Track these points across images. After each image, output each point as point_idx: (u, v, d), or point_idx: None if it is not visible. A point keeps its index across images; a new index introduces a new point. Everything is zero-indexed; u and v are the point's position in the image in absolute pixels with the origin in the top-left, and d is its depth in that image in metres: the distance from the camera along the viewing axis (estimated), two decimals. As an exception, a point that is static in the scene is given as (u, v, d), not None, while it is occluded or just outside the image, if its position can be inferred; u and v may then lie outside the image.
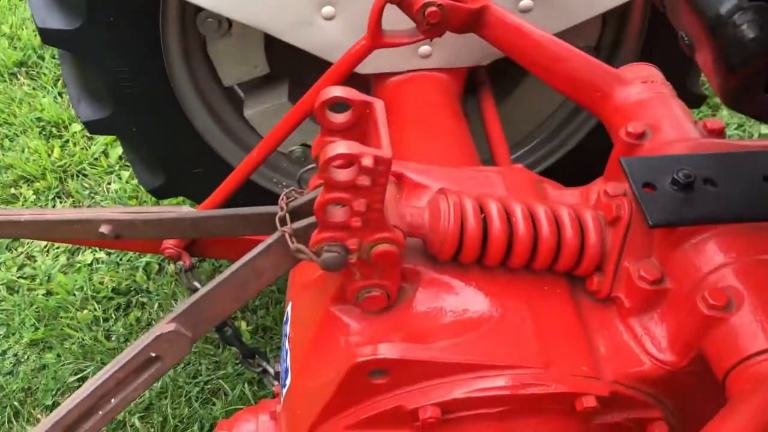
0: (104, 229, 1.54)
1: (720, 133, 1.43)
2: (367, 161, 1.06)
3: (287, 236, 1.23)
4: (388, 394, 1.26)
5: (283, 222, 1.25)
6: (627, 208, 1.28)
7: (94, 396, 1.24)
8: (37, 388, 2.61)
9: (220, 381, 2.65)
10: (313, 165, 1.31)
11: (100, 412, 1.26)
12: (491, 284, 1.33)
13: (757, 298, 1.17)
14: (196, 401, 2.60)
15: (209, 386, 2.65)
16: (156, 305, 2.86)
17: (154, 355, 1.26)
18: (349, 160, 1.07)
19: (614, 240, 1.30)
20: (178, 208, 1.41)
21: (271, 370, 1.98)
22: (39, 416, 2.55)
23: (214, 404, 2.59)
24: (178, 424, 2.54)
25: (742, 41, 0.97)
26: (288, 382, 1.48)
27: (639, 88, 1.54)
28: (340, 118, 1.21)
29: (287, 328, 1.56)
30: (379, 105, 1.17)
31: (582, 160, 2.60)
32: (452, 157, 1.89)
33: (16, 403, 2.55)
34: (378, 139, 1.13)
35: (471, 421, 1.27)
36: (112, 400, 1.26)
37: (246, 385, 2.62)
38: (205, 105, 2.45)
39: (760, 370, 1.11)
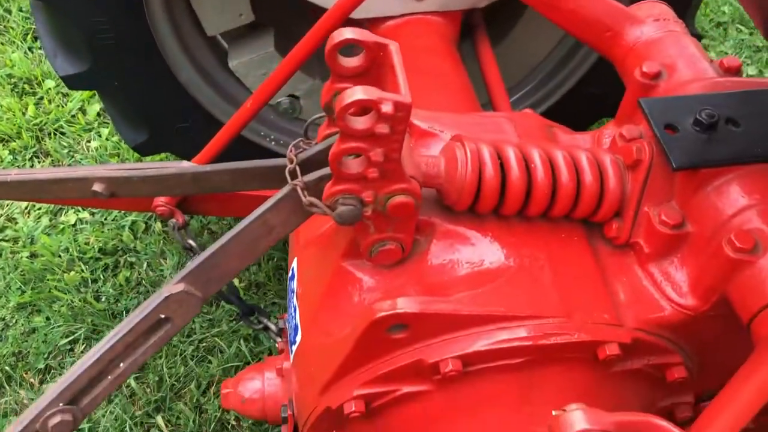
0: (98, 187, 1.47)
1: (737, 71, 1.39)
2: (386, 107, 1.00)
3: (299, 190, 1.17)
4: (407, 348, 1.23)
5: (293, 175, 1.20)
6: (647, 150, 1.24)
7: (102, 361, 1.19)
8: (28, 352, 2.56)
9: (216, 339, 2.61)
10: (321, 114, 1.24)
11: (109, 377, 1.21)
12: (508, 234, 1.29)
13: (785, 240, 1.15)
14: (192, 360, 2.56)
15: (204, 344, 2.61)
16: (145, 265, 2.80)
17: (163, 316, 1.21)
18: (367, 107, 1.01)
19: (634, 184, 1.27)
20: (178, 163, 1.35)
21: (273, 327, 1.94)
22: (32, 380, 2.50)
23: (210, 362, 2.56)
24: (175, 383, 2.51)
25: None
26: (298, 338, 1.45)
27: (651, 27, 1.48)
28: (352, 62, 1.14)
29: (294, 284, 1.52)
30: (394, 47, 1.11)
31: (579, 103, 2.56)
32: (452, 102, 1.83)
33: (7, 367, 2.50)
34: (395, 83, 1.07)
35: (491, 373, 1.24)
36: (121, 365, 1.21)
37: (242, 341, 2.59)
38: (188, 56, 2.35)
39: (789, 312, 1.10)
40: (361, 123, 1.03)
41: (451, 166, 1.23)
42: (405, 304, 1.18)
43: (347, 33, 1.09)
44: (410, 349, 1.23)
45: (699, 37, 2.59)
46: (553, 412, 0.89)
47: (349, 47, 1.15)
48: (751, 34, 3.61)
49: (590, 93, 2.59)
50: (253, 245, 1.22)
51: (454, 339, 1.21)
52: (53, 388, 1.20)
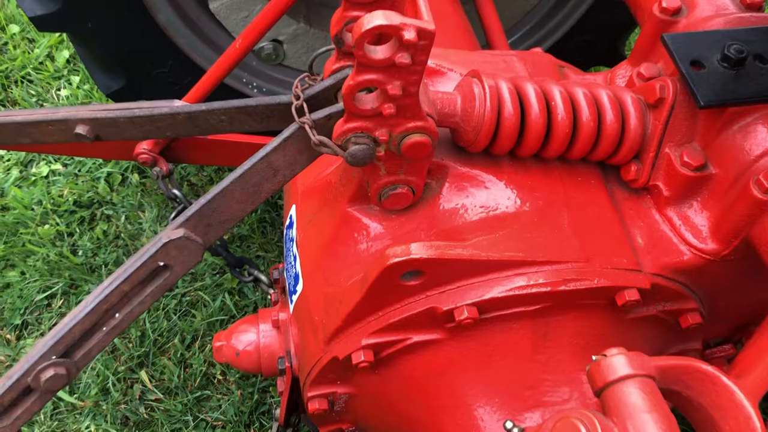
0: (81, 129, 1.37)
1: (759, 7, 1.33)
2: (409, 34, 0.92)
3: (307, 128, 1.09)
4: (420, 296, 1.18)
5: (300, 112, 1.11)
6: (671, 88, 1.19)
7: (97, 312, 1.11)
8: (3, 307, 2.46)
9: (199, 292, 2.54)
10: (328, 47, 1.15)
11: (104, 329, 1.14)
12: (524, 176, 1.23)
13: (814, 181, 1.10)
14: (175, 314, 2.49)
15: (187, 298, 2.54)
16: (123, 218, 2.69)
17: (162, 264, 1.13)
18: (388, 33, 0.93)
19: (655, 124, 1.21)
20: (170, 102, 1.25)
21: (265, 279, 1.87)
22: (8, 336, 2.41)
23: (194, 316, 2.49)
24: (158, 338, 2.44)
25: None
26: (299, 288, 1.39)
27: (668, -39, 1.41)
28: (366, -13, 1.06)
29: (293, 233, 1.45)
30: (414, -29, 1.03)
31: (571, 50, 2.50)
32: (454, 42, 1.75)
33: (-19, 324, 2.40)
34: (416, 8, 0.98)
35: (506, 321, 1.20)
36: (117, 315, 1.14)
37: (227, 295, 2.52)
38: (167, -3, 2.23)
39: (820, 254, 1.06)
40: (380, 52, 0.95)
41: (468, 104, 1.16)
42: (420, 250, 1.12)
43: (363, -45, 1.01)
44: (423, 297, 1.18)
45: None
46: (594, 357, 0.84)
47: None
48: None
49: (582, 40, 2.54)
50: (257, 189, 1.14)
51: (470, 285, 1.16)
52: (45, 341, 1.12)
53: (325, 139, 1.08)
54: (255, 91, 2.49)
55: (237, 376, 2.39)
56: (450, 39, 1.73)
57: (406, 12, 1.03)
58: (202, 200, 1.13)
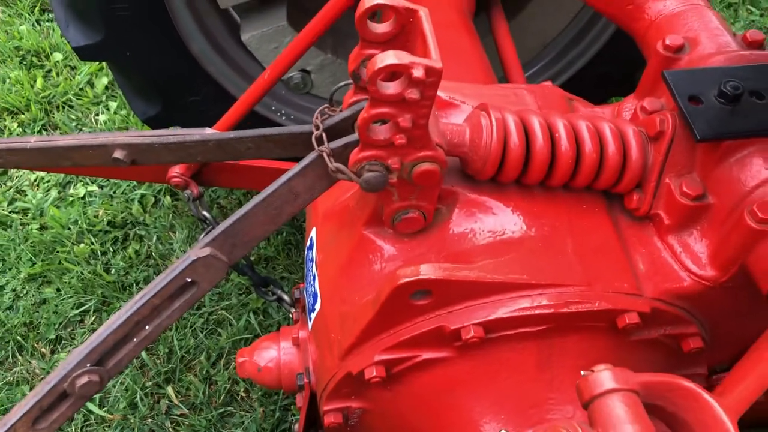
0: (119, 154, 1.48)
1: (760, 45, 1.39)
2: (418, 72, 1.00)
3: (325, 156, 1.18)
4: (429, 315, 1.25)
5: (320, 141, 1.20)
6: (671, 122, 1.25)
7: (129, 323, 1.20)
8: (39, 322, 2.57)
9: (224, 312, 2.63)
10: (347, 81, 1.24)
11: (135, 340, 1.23)
12: (530, 203, 1.30)
13: (807, 212, 1.16)
14: (202, 332, 2.58)
15: (214, 317, 2.63)
16: (154, 238, 2.80)
17: (189, 280, 1.22)
18: (398, 72, 1.02)
19: (656, 156, 1.28)
20: (202, 130, 1.35)
21: (287, 298, 1.95)
22: (43, 350, 2.51)
23: (219, 335, 2.58)
24: (185, 354, 2.53)
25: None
26: (317, 306, 1.46)
27: (673, 1, 1.48)
28: (381, 27, 1.15)
29: (313, 254, 1.53)
30: (424, 12, 1.11)
31: (590, 81, 2.56)
32: (470, 76, 1.83)
33: (18, 337, 2.51)
34: (425, 48, 1.07)
35: (512, 340, 1.26)
36: (147, 327, 1.23)
37: (251, 315, 2.61)
38: (201, 29, 2.35)
39: (811, 282, 1.11)
40: (391, 88, 1.03)
41: (476, 135, 1.24)
42: (428, 271, 1.19)
43: (377, -2, 1.10)
44: (432, 316, 1.24)
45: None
46: (582, 372, 0.91)
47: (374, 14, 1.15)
48: (761, 15, 3.61)
49: (602, 72, 2.60)
50: (278, 211, 1.23)
51: (476, 306, 1.23)
52: (80, 349, 1.21)
53: (341, 166, 1.17)
54: (284, 118, 2.59)
55: (260, 393, 2.47)
56: (467, 72, 1.81)
57: (417, 51, 1.12)
58: (228, 221, 1.22)
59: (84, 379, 1.21)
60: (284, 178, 1.20)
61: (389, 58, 1.00)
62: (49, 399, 1.21)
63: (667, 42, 1.38)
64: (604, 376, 0.88)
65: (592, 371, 0.89)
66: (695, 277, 1.28)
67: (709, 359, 1.47)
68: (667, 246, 1.31)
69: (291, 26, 2.42)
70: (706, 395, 0.92)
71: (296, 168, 1.20)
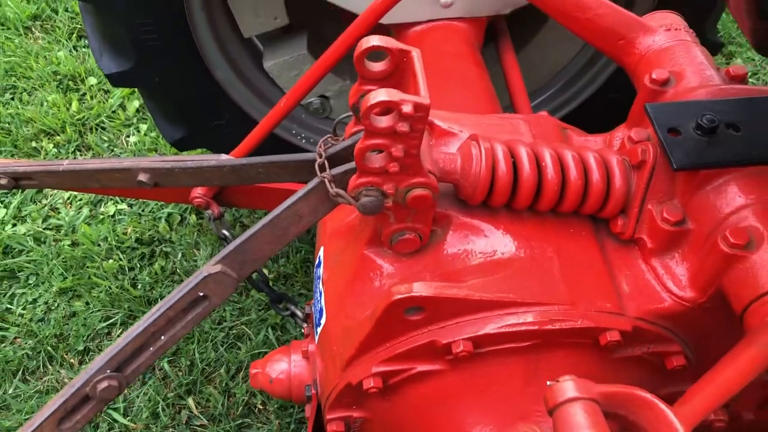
0: (143, 177, 1.60)
1: (743, 79, 1.47)
2: (407, 108, 1.11)
3: (327, 182, 1.28)
4: (422, 329, 1.34)
5: (322, 168, 1.31)
6: (652, 152, 1.33)
7: (146, 333, 1.32)
8: (69, 334, 2.71)
9: (244, 327, 2.74)
10: (348, 113, 1.35)
11: (151, 348, 1.34)
12: (519, 227, 1.39)
13: (777, 237, 1.23)
14: (222, 346, 2.69)
15: (234, 331, 2.74)
16: (179, 255, 2.93)
17: (201, 294, 1.33)
18: (389, 107, 1.12)
19: (639, 183, 1.36)
20: (217, 157, 1.47)
21: (299, 313, 2.05)
22: (72, 361, 2.64)
23: (239, 348, 2.68)
24: (205, 367, 2.64)
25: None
26: (323, 321, 1.56)
27: (662, 36, 1.57)
28: (377, 66, 1.25)
29: (320, 271, 1.63)
30: (416, 53, 1.22)
31: (598, 109, 2.64)
32: (475, 104, 1.93)
33: (49, 348, 2.65)
34: (416, 86, 1.17)
35: (500, 355, 1.34)
36: (162, 337, 1.33)
37: (270, 330, 2.71)
38: (225, 57, 2.48)
39: (778, 304, 1.18)
40: (383, 122, 1.14)
41: (466, 163, 1.33)
42: (420, 288, 1.28)
43: (374, 40, 1.20)
44: (425, 331, 1.33)
45: (720, 45, 2.66)
46: (548, 383, 0.99)
47: (375, 53, 1.26)
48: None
49: (611, 98, 2.67)
50: (284, 232, 1.33)
51: (466, 322, 1.32)
52: (101, 357, 1.32)
53: (341, 191, 1.27)
54: (304, 141, 2.71)
55: (276, 406, 2.57)
56: (472, 100, 1.91)
57: (409, 88, 1.22)
58: (238, 241, 1.33)
59: (104, 384, 1.33)
60: (289, 201, 1.31)
61: (381, 95, 1.10)
62: (73, 401, 1.32)
63: (654, 76, 1.47)
64: (567, 386, 0.96)
65: (557, 381, 0.98)
66: (676, 298, 1.35)
67: (696, 376, 1.53)
68: (650, 268, 1.39)
69: (311, 54, 2.54)
70: (661, 405, 1.00)
71: (300, 192, 1.31)
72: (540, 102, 2.71)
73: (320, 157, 1.32)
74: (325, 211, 1.34)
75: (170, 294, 1.32)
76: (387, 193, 1.26)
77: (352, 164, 1.28)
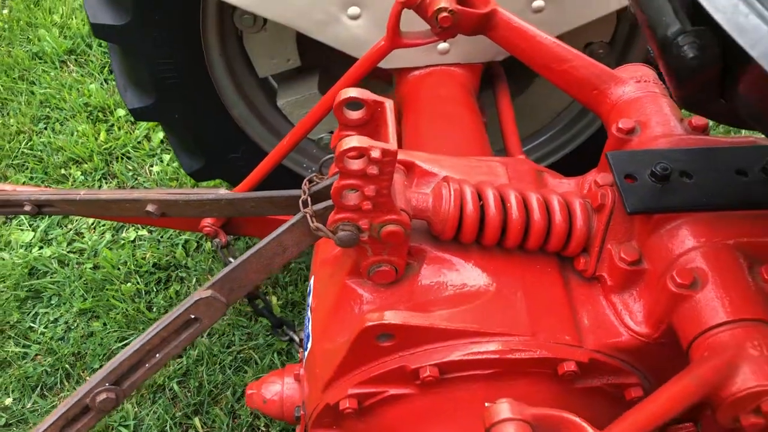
0: (150, 207, 1.75)
1: (704, 129, 1.57)
2: (375, 153, 1.23)
3: (308, 217, 1.41)
4: (393, 355, 1.45)
5: (305, 204, 1.44)
6: (610, 196, 1.44)
7: (142, 351, 1.45)
8: (86, 353, 2.85)
9: (251, 351, 2.86)
10: (332, 155, 1.48)
11: (147, 365, 1.46)
12: (488, 262, 1.50)
13: (720, 278, 1.32)
14: (230, 369, 2.81)
15: (242, 355, 2.86)
16: (194, 280, 3.08)
17: (193, 316, 1.46)
18: (361, 152, 1.25)
19: (599, 225, 1.46)
20: (216, 190, 1.61)
21: (297, 339, 2.17)
22: (88, 378, 2.78)
23: (245, 372, 2.80)
24: (213, 389, 2.76)
25: (685, 60, 1.11)
26: (309, 345, 1.68)
27: (632, 87, 1.68)
28: (355, 115, 1.38)
29: (310, 299, 1.75)
30: (388, 104, 1.35)
31: (590, 154, 2.74)
32: (466, 146, 2.05)
33: (67, 365, 2.80)
34: (386, 134, 1.30)
35: (465, 381, 1.44)
36: (157, 355, 1.46)
37: (275, 354, 2.82)
38: (241, 95, 2.64)
39: (718, 340, 1.27)
40: (356, 164, 1.27)
41: (437, 202, 1.45)
42: (390, 317, 1.40)
43: (351, 92, 1.34)
44: (396, 356, 1.44)
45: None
46: (486, 404, 1.09)
47: (354, 103, 1.39)
48: None
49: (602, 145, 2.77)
50: (270, 261, 1.46)
51: (434, 349, 1.42)
52: (101, 371, 1.46)
53: (320, 225, 1.40)
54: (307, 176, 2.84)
55: (279, 428, 2.67)
56: (461, 142, 2.04)
57: (381, 135, 1.35)
58: (227, 269, 1.46)
59: (103, 396, 1.46)
60: (275, 234, 1.44)
61: (353, 141, 1.23)
62: (74, 411, 1.45)
63: (620, 125, 1.58)
64: (502, 408, 1.07)
65: (494, 403, 1.08)
66: (632, 333, 1.45)
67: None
68: (610, 304, 1.48)
69: (321, 94, 2.69)
70: (590, 429, 1.09)
71: (285, 225, 1.44)
72: (541, 142, 2.82)
73: (304, 194, 1.45)
74: (307, 243, 1.47)
75: (165, 316, 1.45)
76: (362, 228, 1.38)
77: (332, 201, 1.41)
